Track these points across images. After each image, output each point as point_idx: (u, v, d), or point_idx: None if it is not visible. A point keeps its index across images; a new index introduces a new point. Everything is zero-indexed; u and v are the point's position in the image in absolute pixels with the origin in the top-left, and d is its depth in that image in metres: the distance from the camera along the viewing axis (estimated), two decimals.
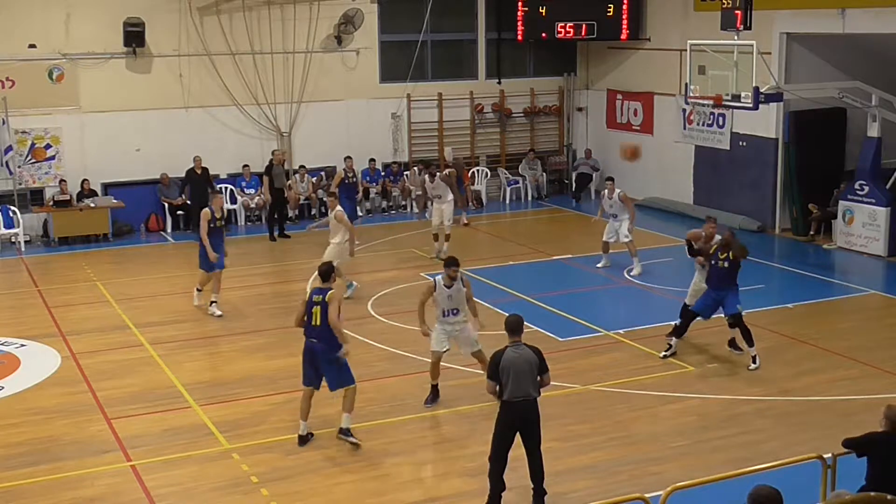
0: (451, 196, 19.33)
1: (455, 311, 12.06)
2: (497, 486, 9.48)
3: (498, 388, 9.36)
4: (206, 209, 16.18)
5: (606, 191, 18.45)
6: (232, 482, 10.23)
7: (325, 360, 11.12)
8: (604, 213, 18.57)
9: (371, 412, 11.96)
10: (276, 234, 21.55)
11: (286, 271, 18.97)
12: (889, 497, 7.45)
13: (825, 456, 8.46)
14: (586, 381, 12.90)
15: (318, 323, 11.08)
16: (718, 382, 12.82)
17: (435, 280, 12.08)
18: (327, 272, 11.46)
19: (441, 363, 12.68)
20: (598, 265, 18.61)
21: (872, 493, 7.63)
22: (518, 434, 9.46)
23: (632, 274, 18.05)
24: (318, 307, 11.09)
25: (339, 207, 16.53)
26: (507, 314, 14.85)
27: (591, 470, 10.38)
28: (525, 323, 9.70)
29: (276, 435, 11.38)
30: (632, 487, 9.60)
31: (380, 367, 13.57)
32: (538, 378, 9.41)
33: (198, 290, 16.41)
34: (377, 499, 9.94)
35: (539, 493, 9.63)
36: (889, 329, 15.18)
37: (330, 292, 11.17)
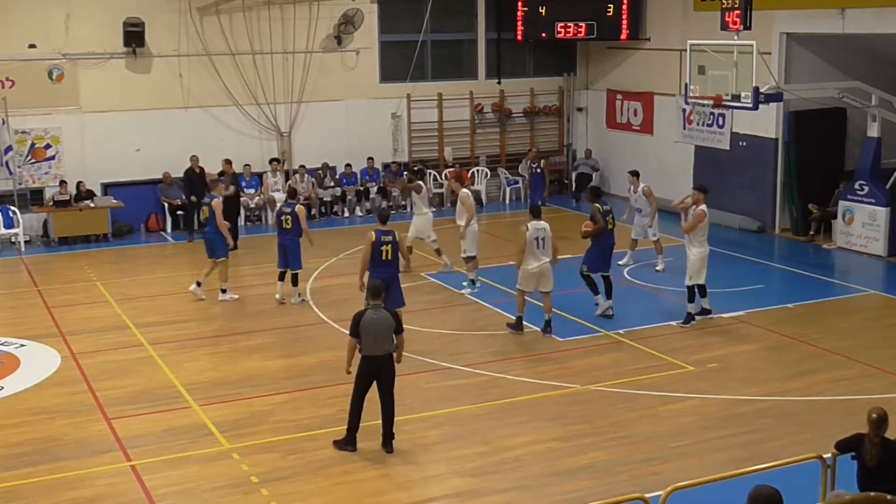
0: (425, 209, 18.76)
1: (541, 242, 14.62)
2: (355, 424, 10.80)
3: (358, 344, 10.62)
4: (218, 201, 16.88)
5: (631, 186, 18.54)
6: (232, 482, 10.23)
7: (393, 286, 13.52)
8: (632, 211, 18.65)
9: (371, 412, 11.93)
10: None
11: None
12: (889, 497, 7.46)
13: (825, 456, 8.47)
14: (586, 381, 12.90)
15: (390, 258, 13.79)
16: (718, 382, 12.82)
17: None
18: (385, 217, 14.40)
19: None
20: (621, 262, 18.47)
21: (872, 494, 7.64)
22: (375, 383, 10.79)
23: (657, 269, 18.32)
24: (388, 245, 13.75)
25: (463, 190, 17.45)
26: (508, 315, 14.99)
27: (591, 470, 10.38)
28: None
29: (276, 435, 11.38)
30: (632, 487, 9.61)
31: None
32: (394, 337, 10.73)
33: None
34: (377, 499, 9.94)
35: (388, 435, 10.87)
36: (889, 329, 15.19)
37: (396, 233, 14.01)
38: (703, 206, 15.03)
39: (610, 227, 15.66)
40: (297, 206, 16.49)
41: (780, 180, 21.36)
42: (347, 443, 10.85)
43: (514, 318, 14.99)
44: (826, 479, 8.48)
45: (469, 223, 17.05)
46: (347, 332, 10.78)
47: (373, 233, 13.90)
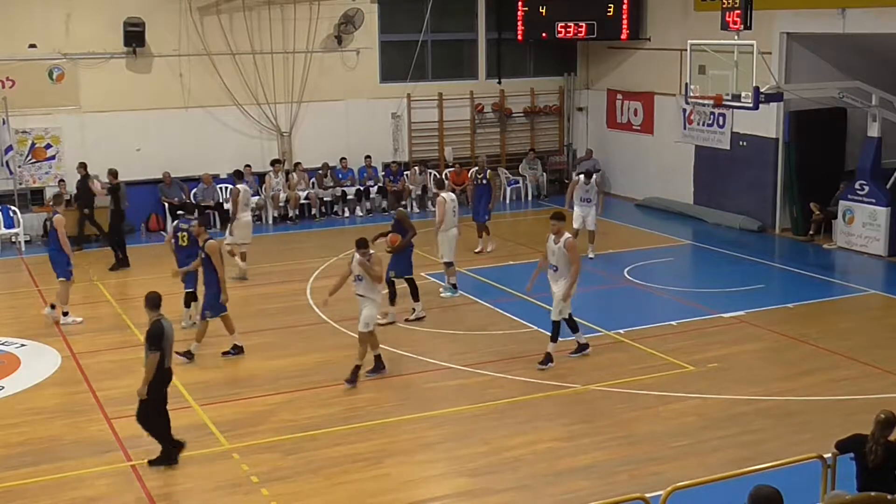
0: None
1: (360, 279, 12.96)
2: (174, 442, 10.62)
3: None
4: (60, 217, 15.79)
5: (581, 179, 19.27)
6: (232, 482, 10.23)
7: None
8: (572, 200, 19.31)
9: (371, 412, 11.97)
10: (120, 257, 19.47)
11: (287, 271, 18.96)
12: (889, 497, 7.46)
13: (825, 456, 8.47)
14: (586, 381, 12.90)
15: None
16: (718, 382, 12.82)
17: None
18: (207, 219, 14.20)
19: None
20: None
21: (873, 494, 7.64)
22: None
23: (590, 257, 18.83)
24: None
25: (442, 194, 17.09)
26: (508, 315, 14.97)
27: (591, 470, 10.38)
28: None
29: (276, 435, 11.38)
30: (632, 487, 9.60)
31: None
32: None
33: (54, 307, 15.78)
34: (377, 499, 9.94)
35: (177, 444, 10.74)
36: (889, 329, 15.18)
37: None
38: (569, 234, 13.47)
39: (415, 232, 15.63)
40: (194, 223, 14.83)
41: (781, 180, 21.35)
42: (171, 457, 10.55)
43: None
44: (826, 479, 8.47)
45: (439, 228, 16.72)
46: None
47: (219, 240, 14.43)
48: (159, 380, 10.42)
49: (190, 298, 15.14)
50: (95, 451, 11.02)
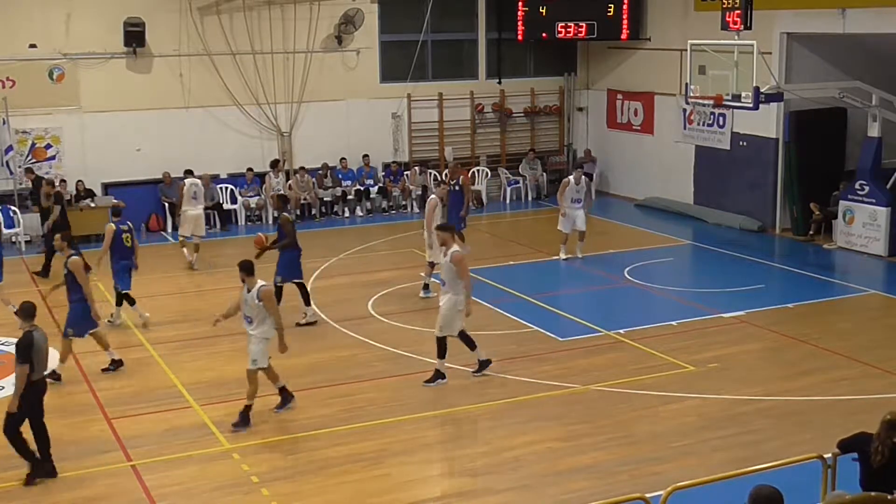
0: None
1: (248, 320, 11.74)
2: (36, 458, 10.27)
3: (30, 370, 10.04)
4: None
5: (573, 177, 19.10)
6: (232, 482, 10.24)
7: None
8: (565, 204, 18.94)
9: (371, 412, 11.97)
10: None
11: None
12: (890, 497, 7.46)
13: (825, 456, 8.46)
14: (586, 381, 12.90)
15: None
16: (718, 382, 12.82)
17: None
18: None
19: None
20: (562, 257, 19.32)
21: (873, 493, 7.64)
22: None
23: (580, 256, 19.22)
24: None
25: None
26: (509, 315, 14.97)
27: (591, 470, 10.38)
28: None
29: (276, 435, 11.39)
30: (632, 487, 9.61)
31: (380, 367, 13.58)
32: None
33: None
34: (377, 499, 9.94)
35: (47, 458, 10.36)
36: (890, 329, 15.18)
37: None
38: (456, 247, 12.92)
39: (292, 239, 15.31)
40: (128, 223, 15.44)
41: (781, 180, 21.35)
42: (47, 472, 10.32)
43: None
44: (826, 478, 8.47)
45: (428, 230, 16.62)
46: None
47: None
48: (30, 393, 10.09)
49: (123, 298, 15.45)
50: (95, 451, 11.02)
